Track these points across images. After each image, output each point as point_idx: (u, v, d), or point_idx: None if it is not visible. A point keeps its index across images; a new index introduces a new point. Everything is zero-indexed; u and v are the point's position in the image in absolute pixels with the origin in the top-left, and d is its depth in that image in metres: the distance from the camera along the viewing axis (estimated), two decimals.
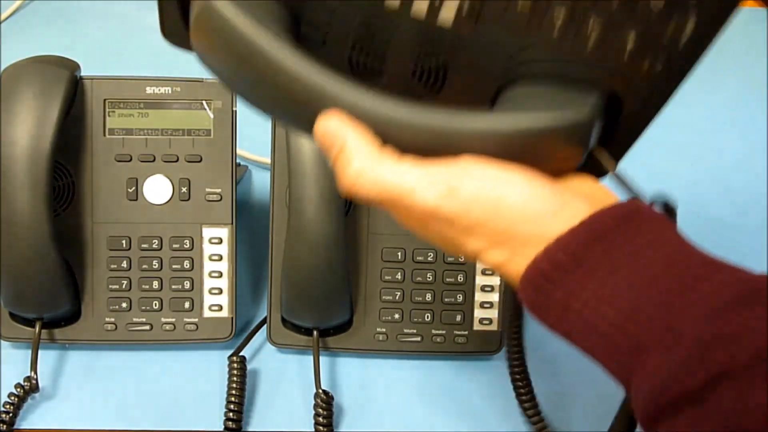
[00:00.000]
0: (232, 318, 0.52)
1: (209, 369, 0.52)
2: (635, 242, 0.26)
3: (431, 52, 0.30)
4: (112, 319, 0.51)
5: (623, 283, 0.25)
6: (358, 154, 0.27)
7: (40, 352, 0.49)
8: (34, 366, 0.49)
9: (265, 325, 0.53)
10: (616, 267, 0.25)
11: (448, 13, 0.28)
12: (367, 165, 0.27)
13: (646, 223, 0.27)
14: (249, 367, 0.52)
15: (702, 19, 0.26)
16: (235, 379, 0.49)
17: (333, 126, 0.27)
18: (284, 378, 0.52)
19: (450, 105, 0.31)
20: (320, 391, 0.48)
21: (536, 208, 0.27)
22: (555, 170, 0.29)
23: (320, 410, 0.48)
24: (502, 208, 0.27)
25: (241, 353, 0.51)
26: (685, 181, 0.66)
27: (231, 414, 0.48)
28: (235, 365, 0.50)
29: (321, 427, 0.48)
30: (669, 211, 0.29)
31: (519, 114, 0.28)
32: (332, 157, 0.28)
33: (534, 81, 0.29)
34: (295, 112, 0.29)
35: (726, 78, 0.74)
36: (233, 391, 0.49)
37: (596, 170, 0.31)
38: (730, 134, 0.70)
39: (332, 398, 0.49)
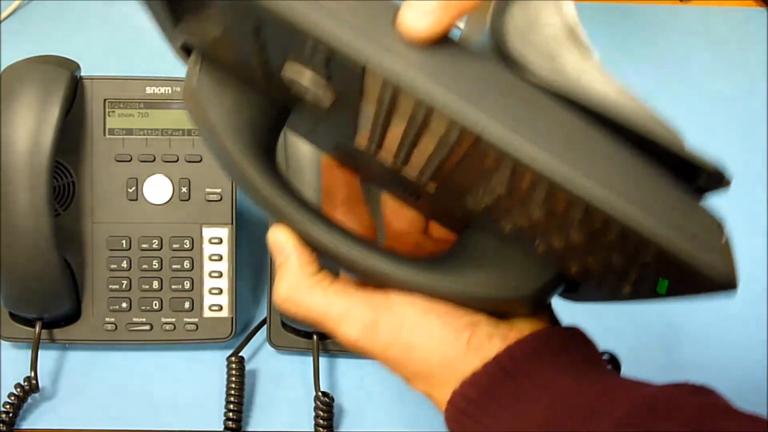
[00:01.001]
0: (232, 318, 0.52)
1: (209, 369, 0.52)
2: (544, 374, 0.27)
3: (403, 182, 0.30)
4: (112, 319, 0.51)
5: (533, 416, 0.26)
6: (291, 276, 0.29)
7: (40, 352, 0.49)
8: (34, 366, 0.49)
9: (265, 326, 0.53)
10: (528, 398, 0.26)
11: (411, 172, 0.28)
12: (295, 289, 0.29)
13: (557, 352, 0.28)
14: (248, 367, 0.52)
15: (637, 290, 0.25)
16: (234, 379, 0.49)
17: (281, 239, 0.29)
18: (284, 379, 0.52)
19: (430, 206, 0.33)
20: (320, 393, 0.48)
21: (440, 358, 0.28)
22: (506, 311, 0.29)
23: (321, 412, 0.48)
24: (415, 353, 0.28)
25: (241, 353, 0.51)
26: None
27: (230, 414, 0.48)
28: (234, 365, 0.50)
29: (322, 429, 0.48)
30: (614, 363, 0.30)
31: (462, 276, 0.28)
32: (276, 265, 0.30)
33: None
34: (252, 201, 0.30)
35: (725, 78, 0.74)
36: (232, 392, 0.49)
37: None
38: (730, 134, 0.70)
39: (333, 400, 0.49)
